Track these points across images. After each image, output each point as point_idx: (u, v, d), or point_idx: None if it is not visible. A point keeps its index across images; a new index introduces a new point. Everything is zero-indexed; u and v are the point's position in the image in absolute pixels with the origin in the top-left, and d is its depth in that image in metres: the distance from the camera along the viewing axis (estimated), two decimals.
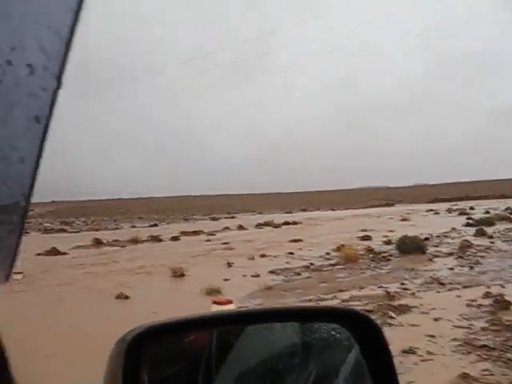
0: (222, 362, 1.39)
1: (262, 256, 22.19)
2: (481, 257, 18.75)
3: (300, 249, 24.19)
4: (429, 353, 8.15)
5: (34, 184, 0.76)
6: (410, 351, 8.20)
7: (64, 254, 26.77)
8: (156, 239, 33.39)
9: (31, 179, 0.75)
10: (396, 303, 11.67)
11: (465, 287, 13.39)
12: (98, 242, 32.23)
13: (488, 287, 12.97)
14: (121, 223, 68.02)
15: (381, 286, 13.85)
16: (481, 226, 29.60)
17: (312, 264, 18.85)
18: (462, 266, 16.84)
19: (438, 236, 26.96)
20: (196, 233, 37.84)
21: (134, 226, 56.46)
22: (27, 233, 43.69)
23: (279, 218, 55.23)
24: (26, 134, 0.69)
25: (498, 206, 57.72)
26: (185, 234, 37.08)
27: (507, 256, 18.74)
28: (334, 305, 11.56)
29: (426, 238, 24.81)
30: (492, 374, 7.11)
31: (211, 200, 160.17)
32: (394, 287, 13.59)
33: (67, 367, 7.68)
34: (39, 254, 25.38)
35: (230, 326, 1.48)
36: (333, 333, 1.49)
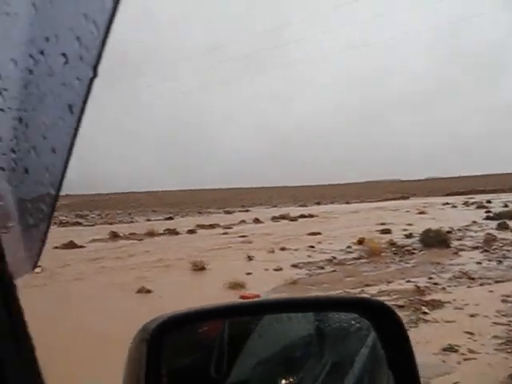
0: (237, 351, 1.40)
1: (282, 249, 21.87)
2: (507, 251, 18.26)
3: (319, 242, 23.84)
4: (471, 351, 7.76)
5: (65, 174, 0.76)
6: (450, 349, 7.83)
7: (81, 247, 26.64)
8: (172, 232, 33.18)
9: (62, 169, 0.75)
10: (427, 298, 11.29)
11: (496, 282, 12.96)
12: (114, 236, 32.09)
13: None
14: (135, 216, 67.94)
15: (409, 281, 13.46)
16: (503, 219, 28.99)
17: (334, 257, 18.50)
18: (489, 260, 16.35)
19: (460, 229, 26.42)
20: (212, 226, 37.60)
21: (148, 220, 56.34)
22: None
23: (294, 211, 54.96)
24: (59, 124, 0.69)
25: None
26: (201, 227, 36.87)
27: None
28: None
29: (448, 232, 24.30)
30: None
31: (224, 193, 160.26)
32: (422, 281, 13.19)
33: (97, 369, 7.35)
34: (56, 248, 25.14)
35: (250, 316, 1.49)
36: (352, 322, 1.50)
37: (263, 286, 13.49)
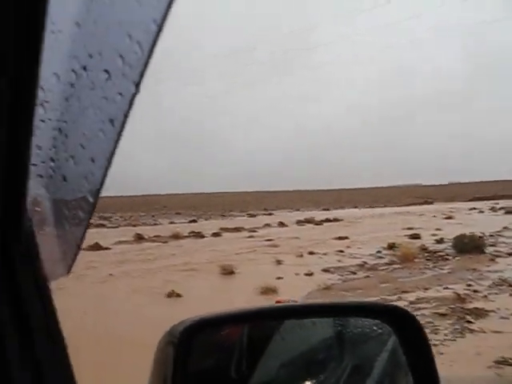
0: (259, 353, 1.42)
1: (311, 253, 21.53)
2: None
3: (348, 247, 23.47)
4: None
5: (104, 182, 0.78)
6: (504, 362, 7.39)
7: (106, 249, 26.58)
8: (198, 235, 33.02)
9: (101, 178, 0.78)
10: (470, 306, 10.86)
11: None
12: (139, 238, 32.02)
13: None
14: (158, 219, 67.96)
15: (447, 288, 13.02)
16: None
17: (365, 262, 18.11)
18: None
19: (492, 235, 25.73)
20: (237, 229, 37.36)
21: (172, 222, 56.26)
22: None
23: (318, 214, 54.44)
24: (99, 135, 0.72)
25: None
26: (225, 230, 36.65)
27: None
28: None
29: (480, 237, 23.70)
30: None
31: (245, 196, 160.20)
32: (461, 289, 12.73)
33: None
34: (82, 249, 24.99)
35: (276, 321, 1.51)
36: (374, 328, 1.51)
37: (296, 291, 13.13)
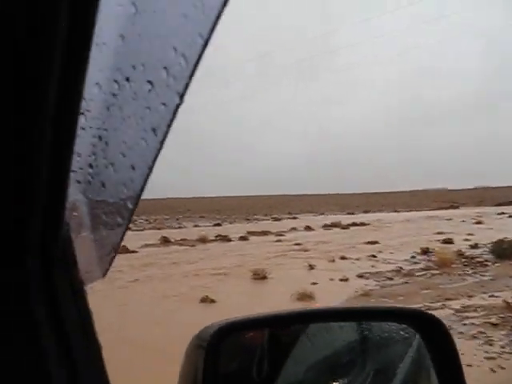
0: (284, 356, 1.44)
1: (342, 258, 21.02)
2: None
3: (380, 251, 22.91)
4: None
5: (144, 189, 0.80)
6: None
7: (133, 252, 26.33)
8: (224, 239, 32.69)
9: (141, 185, 0.79)
10: None
11: None
12: (165, 241, 31.83)
13: None
14: (183, 222, 67.86)
15: (492, 295, 12.45)
16: None
17: (401, 268, 17.57)
18: None
19: None
20: (264, 233, 36.93)
21: (196, 225, 56.05)
22: None
23: (344, 219, 53.74)
24: (140, 144, 0.74)
25: None
26: (252, 233, 36.23)
27: None
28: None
29: None
30: None
31: (269, 200, 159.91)
32: (508, 296, 12.11)
33: None
34: None
35: (303, 325, 1.51)
36: (401, 332, 1.52)
37: (333, 297, 12.69)
